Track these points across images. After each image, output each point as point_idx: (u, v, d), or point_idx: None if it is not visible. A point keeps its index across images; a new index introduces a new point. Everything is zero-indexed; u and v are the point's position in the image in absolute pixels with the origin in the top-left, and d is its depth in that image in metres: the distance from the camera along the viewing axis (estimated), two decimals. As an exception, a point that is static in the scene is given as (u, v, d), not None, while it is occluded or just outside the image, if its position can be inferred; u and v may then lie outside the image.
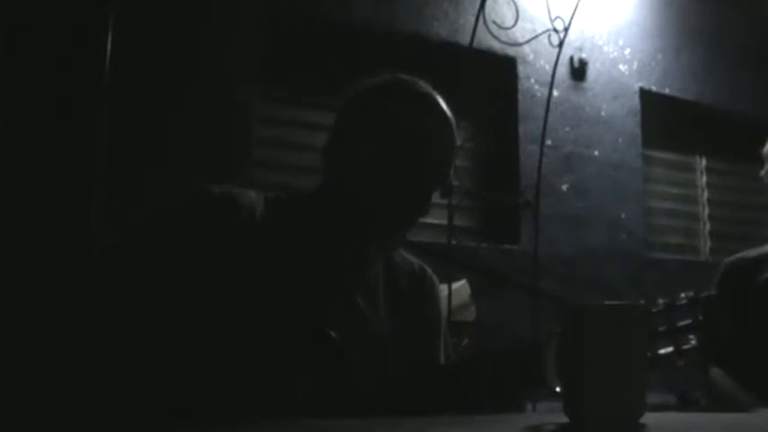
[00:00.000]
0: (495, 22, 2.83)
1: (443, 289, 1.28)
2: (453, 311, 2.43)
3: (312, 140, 3.01)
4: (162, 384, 0.92)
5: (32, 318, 0.97)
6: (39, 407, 0.87)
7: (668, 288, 0.97)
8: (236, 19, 2.99)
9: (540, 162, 3.10)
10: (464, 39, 3.09)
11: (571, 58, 3.71)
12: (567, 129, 3.68)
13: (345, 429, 0.80)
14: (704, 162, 4.34)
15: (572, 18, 2.90)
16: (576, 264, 3.49)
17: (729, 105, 4.18)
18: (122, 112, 2.50)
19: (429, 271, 1.23)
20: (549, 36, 2.90)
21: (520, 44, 3.20)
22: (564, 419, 0.77)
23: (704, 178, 4.33)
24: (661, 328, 0.87)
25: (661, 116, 4.00)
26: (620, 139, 3.85)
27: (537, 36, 3.01)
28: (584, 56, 3.77)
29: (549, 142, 3.30)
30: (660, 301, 0.88)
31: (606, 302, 0.78)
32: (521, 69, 3.61)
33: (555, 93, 3.32)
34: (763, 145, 1.78)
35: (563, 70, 3.63)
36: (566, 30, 2.89)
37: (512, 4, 2.89)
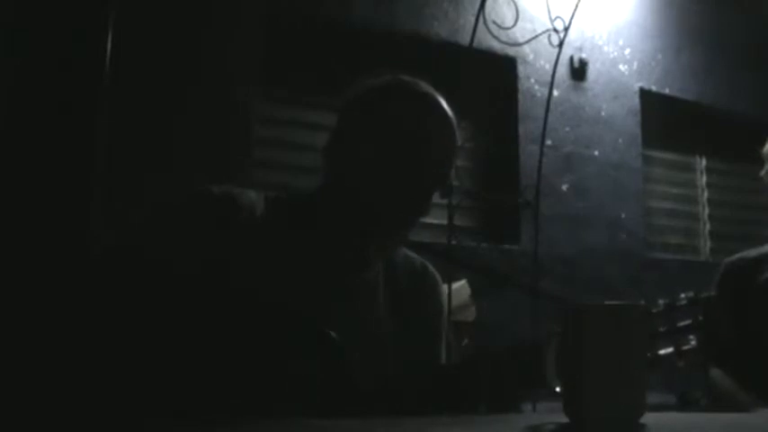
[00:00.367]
0: (495, 22, 2.83)
1: (444, 287, 1.28)
2: (453, 311, 2.43)
3: (312, 140, 3.01)
4: (162, 384, 0.92)
5: (33, 318, 0.97)
6: (39, 407, 0.87)
7: (668, 288, 0.97)
8: (236, 19, 2.99)
9: (540, 162, 3.10)
10: (464, 39, 3.09)
11: (571, 58, 3.71)
12: (567, 129, 3.68)
13: (345, 429, 0.80)
14: (704, 162, 4.34)
15: (572, 18, 2.90)
16: (576, 264, 3.49)
17: (729, 105, 4.18)
18: (122, 112, 2.50)
19: (431, 268, 1.23)
20: (549, 36, 2.90)
21: (520, 44, 3.20)
22: (564, 419, 0.77)
23: (704, 178, 4.33)
24: (661, 329, 0.87)
25: (661, 116, 4.00)
26: (620, 139, 3.85)
27: (537, 36, 3.01)
28: (584, 56, 3.77)
29: (549, 142, 3.30)
30: (660, 301, 0.88)
31: (606, 302, 0.78)
32: (521, 69, 3.61)
33: (555, 93, 3.33)
34: (763, 145, 1.78)
35: (563, 70, 3.63)
36: (566, 30, 2.89)
37: (512, 4, 2.89)
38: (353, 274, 1.11)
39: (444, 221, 2.77)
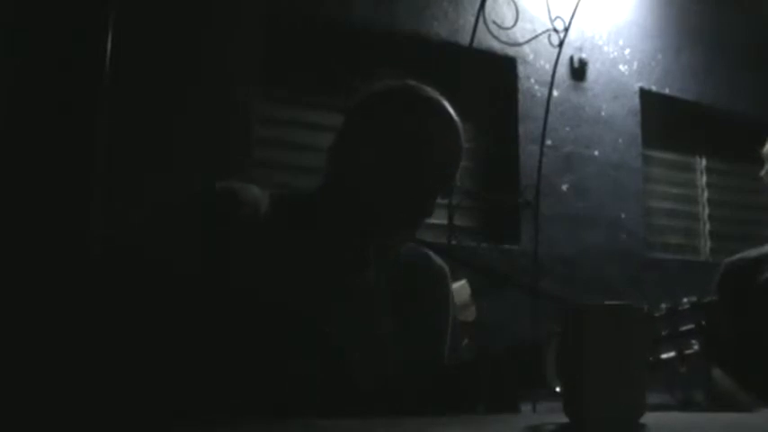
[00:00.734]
0: (495, 22, 2.83)
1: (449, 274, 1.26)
2: (453, 311, 2.43)
3: (312, 140, 3.01)
4: (162, 384, 0.92)
5: (33, 317, 0.97)
6: (39, 406, 0.87)
7: (668, 288, 0.97)
8: (236, 19, 2.99)
9: (540, 162, 3.10)
10: (464, 39, 3.09)
11: (571, 58, 3.71)
12: (567, 129, 3.68)
13: (345, 429, 0.80)
14: (704, 162, 4.34)
15: (572, 18, 2.90)
16: (576, 264, 3.49)
17: (729, 105, 4.18)
18: (122, 112, 2.50)
19: (435, 259, 1.21)
20: (549, 36, 2.90)
21: (520, 44, 3.20)
22: (564, 419, 0.77)
23: (704, 178, 4.33)
24: (664, 333, 0.87)
25: (661, 116, 4.00)
26: (620, 139, 3.84)
27: (537, 36, 3.01)
28: (584, 56, 3.77)
29: (549, 142, 3.30)
30: (663, 305, 0.88)
31: (606, 302, 0.78)
32: (521, 69, 3.61)
33: (555, 93, 3.33)
34: (763, 145, 1.78)
35: (563, 70, 3.63)
36: (566, 30, 2.89)
37: (512, 4, 2.89)
38: (353, 273, 1.11)
39: (444, 221, 2.77)
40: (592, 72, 3.80)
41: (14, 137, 2.00)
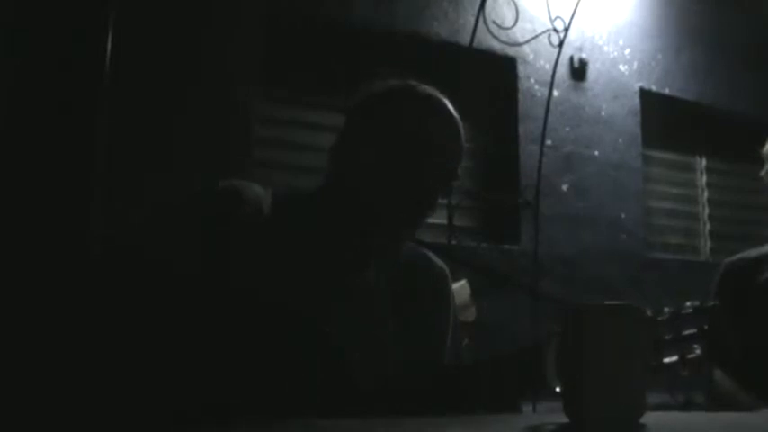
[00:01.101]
0: (495, 22, 2.83)
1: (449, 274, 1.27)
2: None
3: (312, 140, 3.01)
4: (162, 384, 0.92)
5: (33, 317, 0.97)
6: (39, 407, 0.87)
7: (668, 288, 0.97)
8: (236, 19, 2.99)
9: (540, 162, 3.10)
10: (464, 39, 3.09)
11: (571, 58, 3.71)
12: (567, 129, 3.68)
13: (345, 429, 0.80)
14: (704, 162, 4.34)
15: (572, 18, 2.90)
16: (576, 264, 3.49)
17: (729, 105, 4.18)
18: (122, 112, 2.50)
19: (435, 260, 1.21)
20: (549, 36, 2.90)
21: (520, 44, 3.20)
22: (564, 419, 0.77)
23: (704, 178, 4.33)
24: (667, 337, 0.87)
25: (661, 116, 4.00)
26: (620, 139, 3.84)
27: (537, 36, 3.01)
28: (584, 56, 3.77)
29: (549, 142, 3.30)
30: (665, 309, 0.88)
31: (606, 302, 0.78)
32: (521, 69, 3.60)
33: (555, 93, 3.32)
34: (763, 145, 1.78)
35: (563, 70, 3.63)
36: (566, 30, 2.89)
37: (512, 4, 2.89)
38: (354, 273, 1.11)
39: (444, 221, 2.77)
40: (592, 72, 3.80)
41: (14, 137, 2.00)
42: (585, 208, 3.66)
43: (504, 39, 3.01)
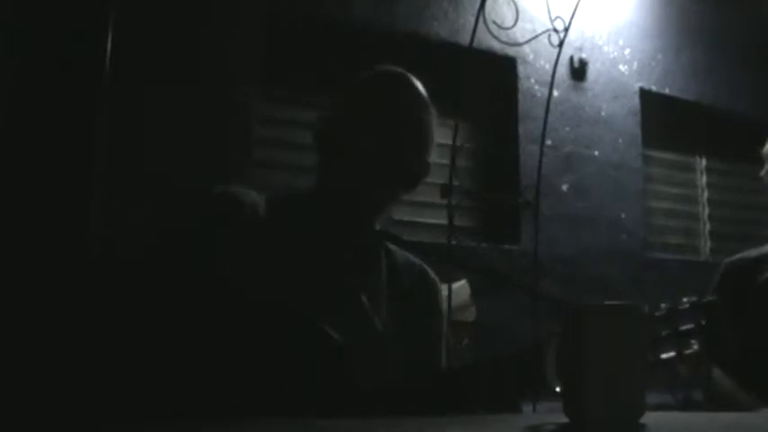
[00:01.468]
0: (495, 22, 2.83)
1: (443, 289, 1.28)
2: (453, 311, 2.43)
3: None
4: (162, 384, 0.92)
5: (33, 317, 0.97)
6: (38, 405, 0.87)
7: (668, 288, 0.97)
8: (236, 19, 2.99)
9: (540, 162, 3.10)
10: (464, 39, 3.09)
11: (571, 58, 3.71)
12: (567, 129, 3.68)
13: (345, 429, 0.80)
14: (704, 162, 4.34)
15: (572, 18, 2.90)
16: (576, 264, 3.49)
17: (729, 105, 4.18)
18: (122, 112, 2.50)
19: (430, 272, 1.24)
20: (549, 36, 2.89)
21: (520, 44, 3.20)
22: (564, 419, 0.77)
23: (704, 178, 4.33)
24: (664, 333, 0.87)
25: (661, 116, 4.00)
26: (620, 139, 3.84)
27: (537, 36, 3.01)
28: (584, 56, 3.77)
29: (549, 142, 3.30)
30: (663, 305, 0.88)
31: (606, 302, 0.78)
32: (521, 69, 3.61)
33: (555, 93, 3.32)
34: (763, 145, 1.78)
35: (563, 70, 3.63)
36: (566, 30, 2.89)
37: (512, 4, 2.89)
38: (354, 274, 1.11)
39: (444, 221, 2.77)
40: (592, 72, 3.80)
41: (14, 137, 2.00)
42: (585, 208, 3.66)
43: (504, 39, 3.00)
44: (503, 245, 3.38)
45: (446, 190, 2.68)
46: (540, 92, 3.53)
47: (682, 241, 4.18)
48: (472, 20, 2.93)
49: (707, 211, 4.29)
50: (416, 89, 1.17)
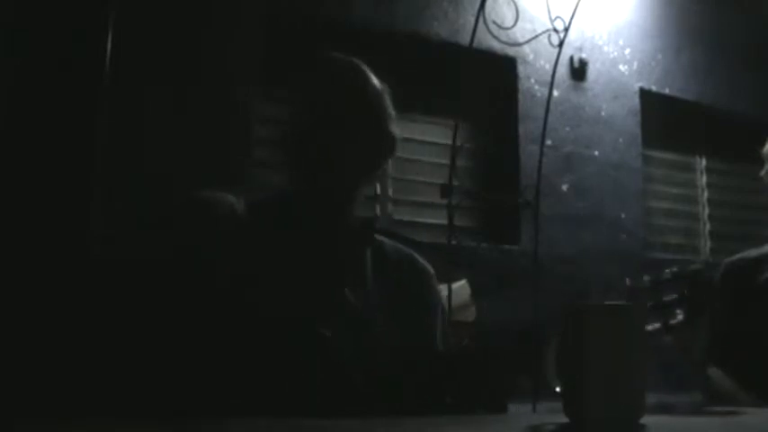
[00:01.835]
0: (495, 22, 2.83)
1: (443, 288, 1.28)
2: (453, 311, 2.43)
3: (312, 140, 3.01)
4: (162, 384, 0.92)
5: (33, 316, 0.97)
6: (39, 404, 0.87)
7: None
8: (236, 19, 2.99)
9: (540, 162, 3.10)
10: (464, 39, 3.09)
11: (571, 58, 3.71)
12: (567, 129, 3.68)
13: (345, 429, 0.80)
14: (704, 162, 4.34)
15: (572, 18, 2.90)
16: (576, 264, 3.49)
17: (729, 105, 4.18)
18: (122, 112, 2.50)
19: (420, 261, 1.25)
20: (549, 36, 2.89)
21: (520, 44, 3.19)
22: (564, 419, 0.77)
23: (704, 178, 4.33)
24: (648, 304, 0.87)
25: (661, 116, 4.00)
26: (620, 139, 3.84)
27: (537, 36, 3.01)
28: (584, 56, 3.76)
29: (549, 142, 3.30)
30: (645, 277, 0.88)
31: (606, 302, 0.78)
32: (521, 69, 3.60)
33: (555, 93, 3.32)
34: (763, 145, 1.78)
35: (563, 70, 3.63)
36: (566, 30, 2.89)
37: (512, 4, 2.89)
38: (337, 267, 1.12)
39: (444, 221, 2.77)
40: (592, 72, 3.80)
41: (14, 137, 2.00)
42: (585, 208, 3.66)
43: (504, 39, 3.00)
44: (503, 245, 3.38)
45: (446, 190, 2.68)
46: (540, 92, 3.53)
47: (682, 241, 4.18)
48: (472, 20, 2.93)
49: (707, 211, 4.29)
50: (343, 62, 1.23)
